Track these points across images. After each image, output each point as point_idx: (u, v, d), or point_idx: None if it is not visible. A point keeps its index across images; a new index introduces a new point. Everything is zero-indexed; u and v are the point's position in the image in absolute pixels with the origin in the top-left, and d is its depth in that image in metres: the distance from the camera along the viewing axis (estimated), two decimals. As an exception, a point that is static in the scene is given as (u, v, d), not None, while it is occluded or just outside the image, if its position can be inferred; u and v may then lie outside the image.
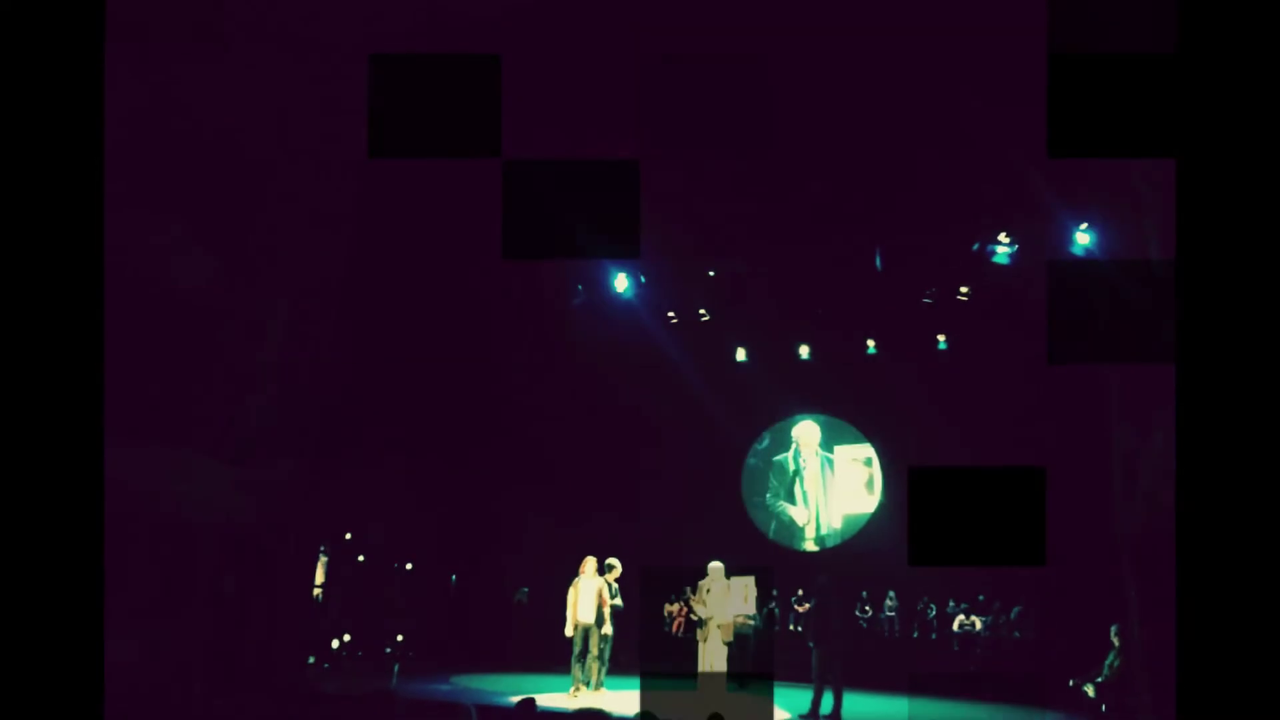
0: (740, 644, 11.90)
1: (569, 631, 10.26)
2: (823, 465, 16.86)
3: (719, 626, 9.79)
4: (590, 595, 10.18)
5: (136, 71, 8.51)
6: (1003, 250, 13.28)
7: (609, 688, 10.35)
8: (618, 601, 10.42)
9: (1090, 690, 9.27)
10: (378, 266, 12.25)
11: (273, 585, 10.69)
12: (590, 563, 10.36)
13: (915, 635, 14.90)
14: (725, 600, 9.92)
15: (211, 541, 10.05)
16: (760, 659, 12.87)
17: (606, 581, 10.32)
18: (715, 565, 10.06)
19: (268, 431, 10.62)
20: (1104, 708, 9.10)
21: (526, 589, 14.96)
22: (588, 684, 10.09)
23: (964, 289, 14.45)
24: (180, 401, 10.00)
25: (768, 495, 17.12)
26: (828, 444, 16.96)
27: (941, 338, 15.54)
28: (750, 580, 10.57)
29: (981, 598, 14.31)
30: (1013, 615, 13.75)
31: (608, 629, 10.22)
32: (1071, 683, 9.64)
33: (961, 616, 14.26)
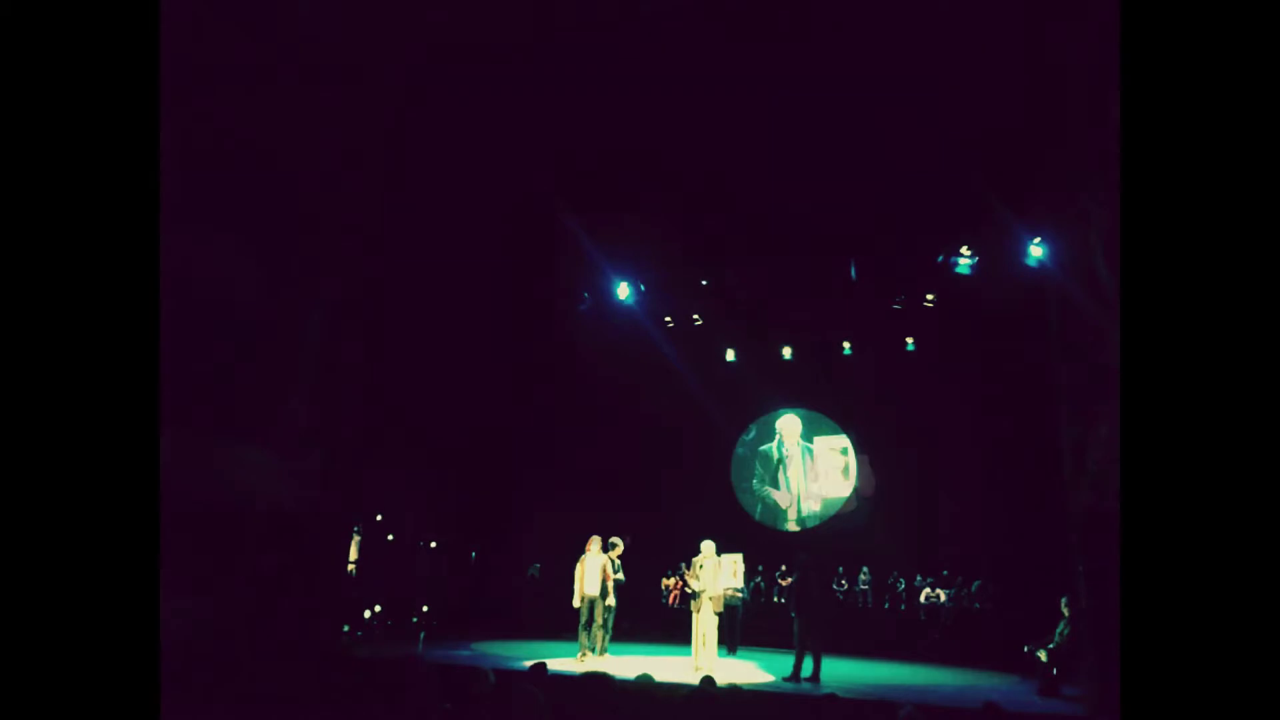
0: (729, 614, 11.90)
1: (576, 603, 10.24)
2: (803, 454, 16.86)
3: (710, 599, 9.78)
4: (595, 570, 10.16)
5: (198, 102, 8.58)
6: (964, 261, 13.27)
7: (612, 653, 10.34)
8: (620, 576, 10.40)
9: (1043, 655, 9.26)
10: (407, 276, 12.26)
11: (311, 562, 10.68)
12: (596, 541, 10.34)
13: (886, 606, 14.89)
14: (716, 575, 9.89)
15: (255, 523, 10.04)
16: (747, 628, 12.86)
17: (610, 558, 10.30)
18: (707, 544, 10.05)
19: (306, 424, 10.62)
20: (1054, 670, 9.09)
21: (539, 565, 14.94)
22: (593, 650, 10.08)
23: (930, 296, 14.44)
24: (228, 397, 10.01)
25: (754, 481, 17.11)
26: (808, 435, 16.96)
27: (909, 340, 15.55)
28: (738, 557, 10.54)
29: (945, 572, 14.29)
30: (974, 588, 13.74)
31: (610, 600, 10.21)
32: (1026, 649, 9.63)
33: (928, 590, 14.24)
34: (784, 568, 15.13)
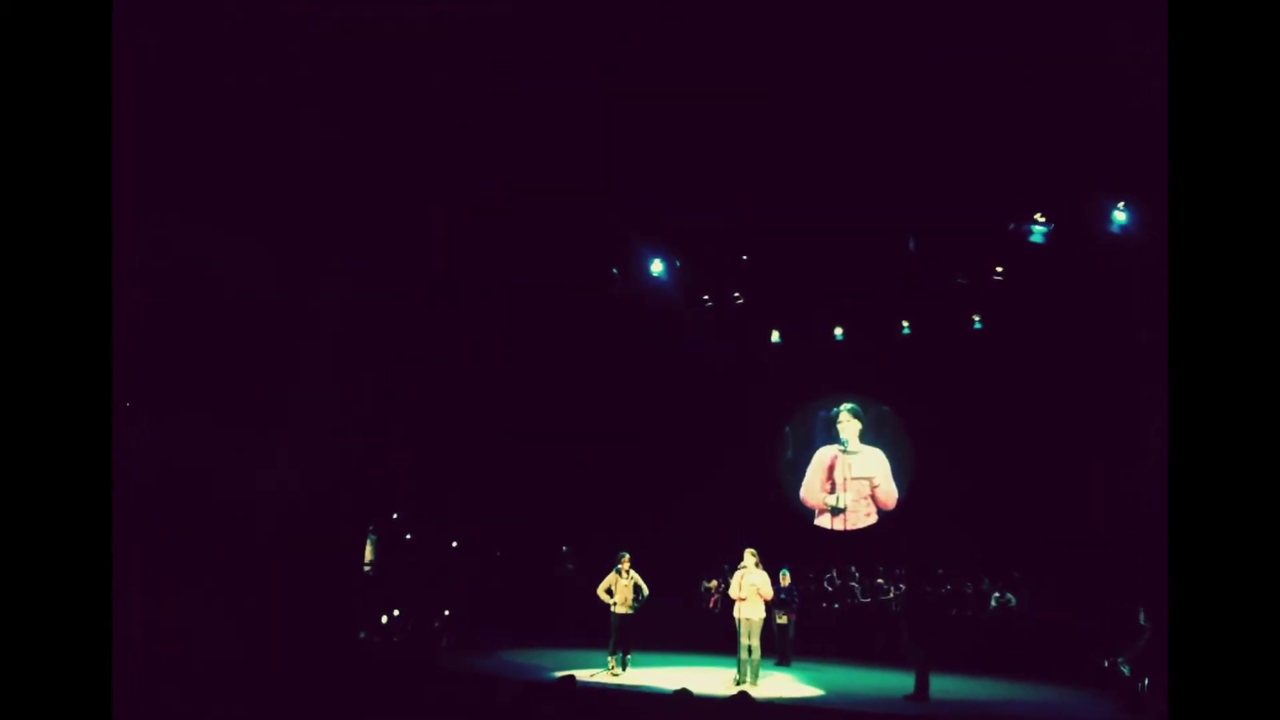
0: (776, 626, 11.95)
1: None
2: (860, 451, 16.58)
3: (749, 614, 9.92)
4: (629, 590, 10.44)
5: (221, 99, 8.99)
6: (1039, 229, 12.92)
7: (653, 664, 10.55)
8: (645, 591, 10.65)
9: (1126, 669, 9.12)
10: (424, 272, 12.52)
11: (327, 563, 11.03)
12: (627, 559, 10.55)
13: (954, 613, 14.71)
14: (761, 585, 10.03)
15: (270, 522, 10.39)
16: (798, 640, 12.85)
17: (636, 578, 10.49)
18: (750, 551, 10.16)
19: (328, 423, 10.98)
20: (1142, 685, 8.94)
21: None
22: (621, 666, 10.34)
23: (999, 269, 14.12)
24: (248, 391, 10.44)
25: (805, 478, 16.93)
26: (865, 430, 16.65)
27: (976, 317, 15.21)
28: (784, 571, 10.63)
29: (1017, 575, 14.09)
30: (1035, 595, 13.52)
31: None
32: (1106, 663, 9.49)
33: (997, 594, 14.08)
34: (881, 579, 14.93)
